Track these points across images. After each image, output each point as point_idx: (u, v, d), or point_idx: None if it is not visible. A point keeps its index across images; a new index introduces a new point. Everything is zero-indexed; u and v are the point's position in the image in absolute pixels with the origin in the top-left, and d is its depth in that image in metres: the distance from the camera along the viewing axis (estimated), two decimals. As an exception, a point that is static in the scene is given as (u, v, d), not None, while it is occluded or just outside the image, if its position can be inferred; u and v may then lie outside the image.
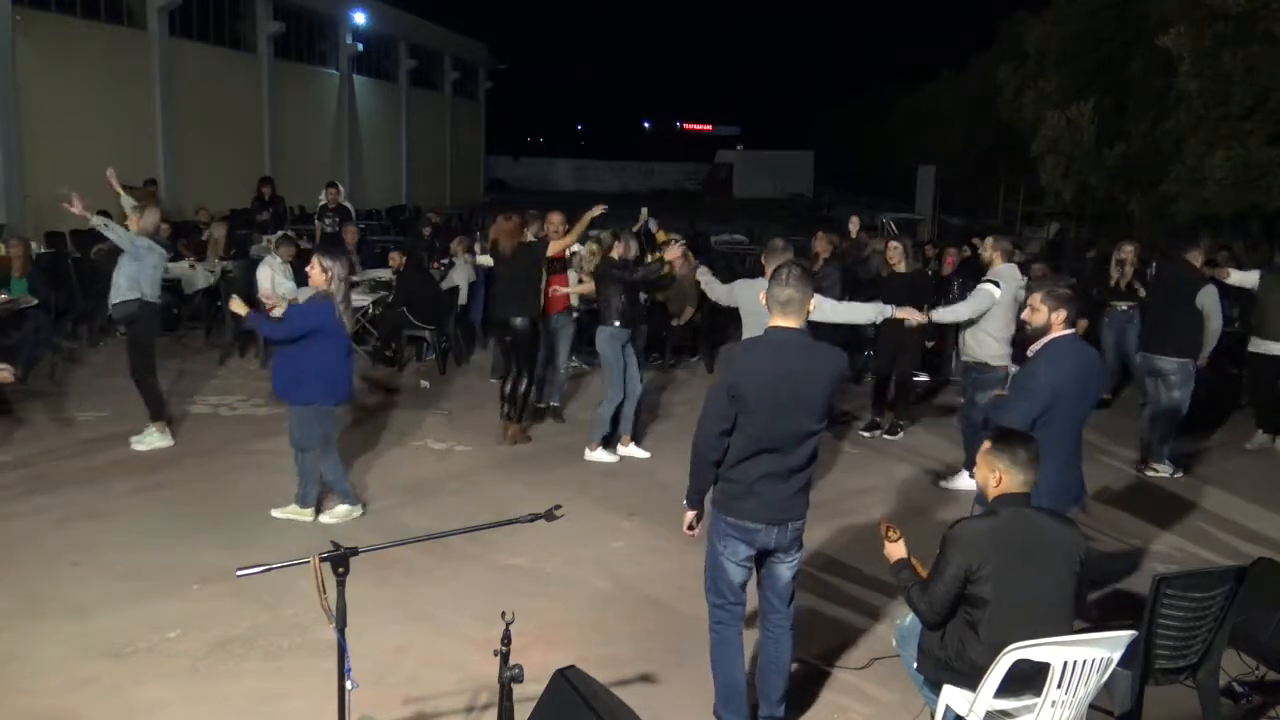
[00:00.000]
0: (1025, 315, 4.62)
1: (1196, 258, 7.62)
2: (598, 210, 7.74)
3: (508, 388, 7.68)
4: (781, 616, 3.85)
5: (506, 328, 7.60)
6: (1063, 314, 4.45)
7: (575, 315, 8.57)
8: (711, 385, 3.66)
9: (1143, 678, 3.64)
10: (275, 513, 6.02)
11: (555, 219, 8.02)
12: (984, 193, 26.68)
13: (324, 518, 6.03)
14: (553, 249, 7.57)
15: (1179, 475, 7.46)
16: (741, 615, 3.82)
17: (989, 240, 7.19)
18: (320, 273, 5.76)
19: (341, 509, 6.07)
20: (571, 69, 68.30)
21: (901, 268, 8.25)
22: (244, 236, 13.61)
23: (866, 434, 8.31)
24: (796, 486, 3.70)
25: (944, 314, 7.15)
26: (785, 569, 3.81)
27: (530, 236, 7.60)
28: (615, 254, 7.54)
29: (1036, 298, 4.54)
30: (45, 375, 8.86)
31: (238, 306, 5.93)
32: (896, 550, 3.65)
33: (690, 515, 3.86)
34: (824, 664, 4.53)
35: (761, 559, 3.79)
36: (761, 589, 3.88)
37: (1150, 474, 7.47)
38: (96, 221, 7.13)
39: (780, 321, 3.66)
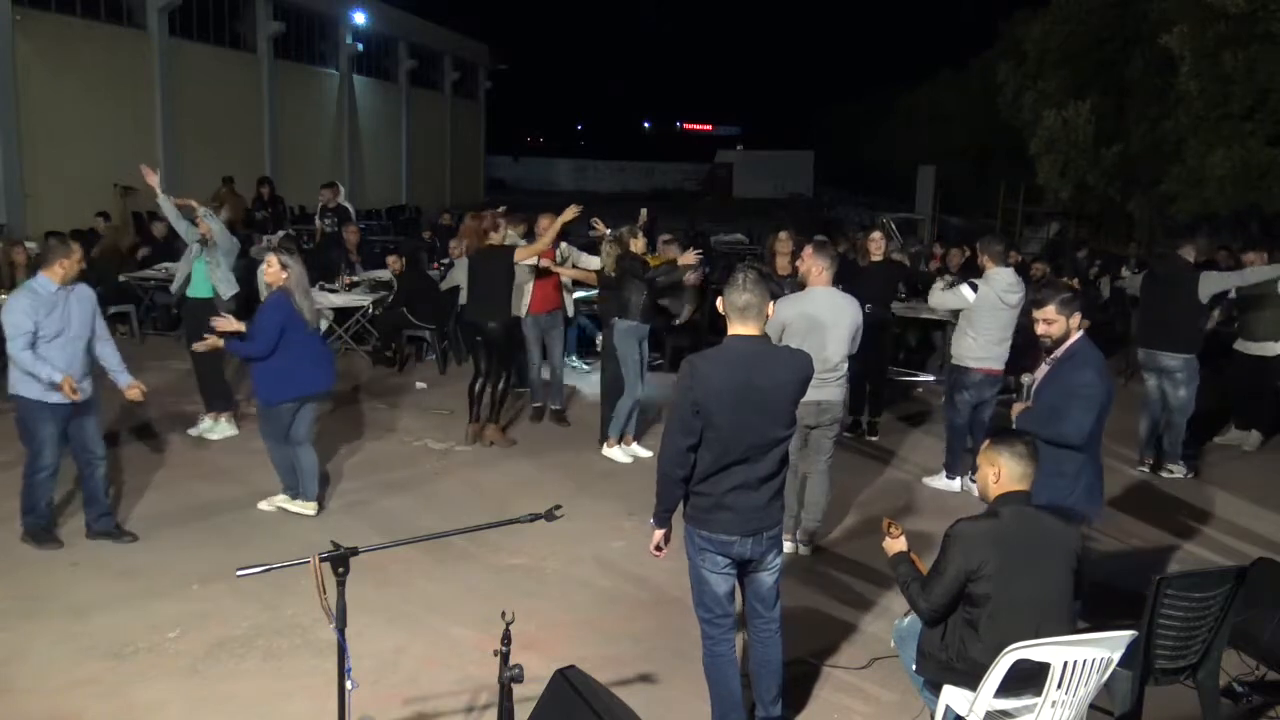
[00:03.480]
0: (1041, 330, 4.45)
1: (1189, 253, 7.61)
2: (571, 213, 7.45)
3: (476, 388, 7.59)
4: (767, 621, 3.80)
5: (479, 330, 7.53)
6: (1079, 317, 4.40)
7: (571, 315, 8.54)
8: (673, 400, 3.57)
9: (1143, 678, 3.64)
10: (285, 506, 6.06)
11: (544, 223, 7.98)
12: (984, 193, 26.67)
13: (262, 504, 6.08)
14: (519, 255, 7.41)
15: (1190, 475, 7.47)
16: (732, 627, 3.78)
17: (979, 246, 7.18)
18: (279, 270, 5.78)
19: (281, 497, 6.09)
20: (571, 69, 68.29)
21: (878, 257, 8.25)
22: (244, 237, 13.59)
23: (849, 435, 8.12)
24: (769, 494, 3.63)
25: (926, 303, 7.06)
26: (767, 575, 3.74)
27: (504, 238, 7.52)
28: (635, 248, 7.53)
29: (1050, 310, 4.38)
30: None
31: (214, 343, 5.95)
32: (896, 545, 3.67)
33: (659, 535, 3.75)
34: (824, 663, 4.53)
35: (741, 568, 3.72)
36: (745, 597, 3.83)
37: (1165, 475, 7.47)
38: (202, 211, 7.27)
39: (740, 329, 3.57)
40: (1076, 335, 4.41)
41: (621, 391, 7.43)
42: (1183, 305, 7.27)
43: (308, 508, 6.04)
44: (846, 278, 8.55)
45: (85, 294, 5.51)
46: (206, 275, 7.35)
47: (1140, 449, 7.65)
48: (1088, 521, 4.43)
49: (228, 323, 5.94)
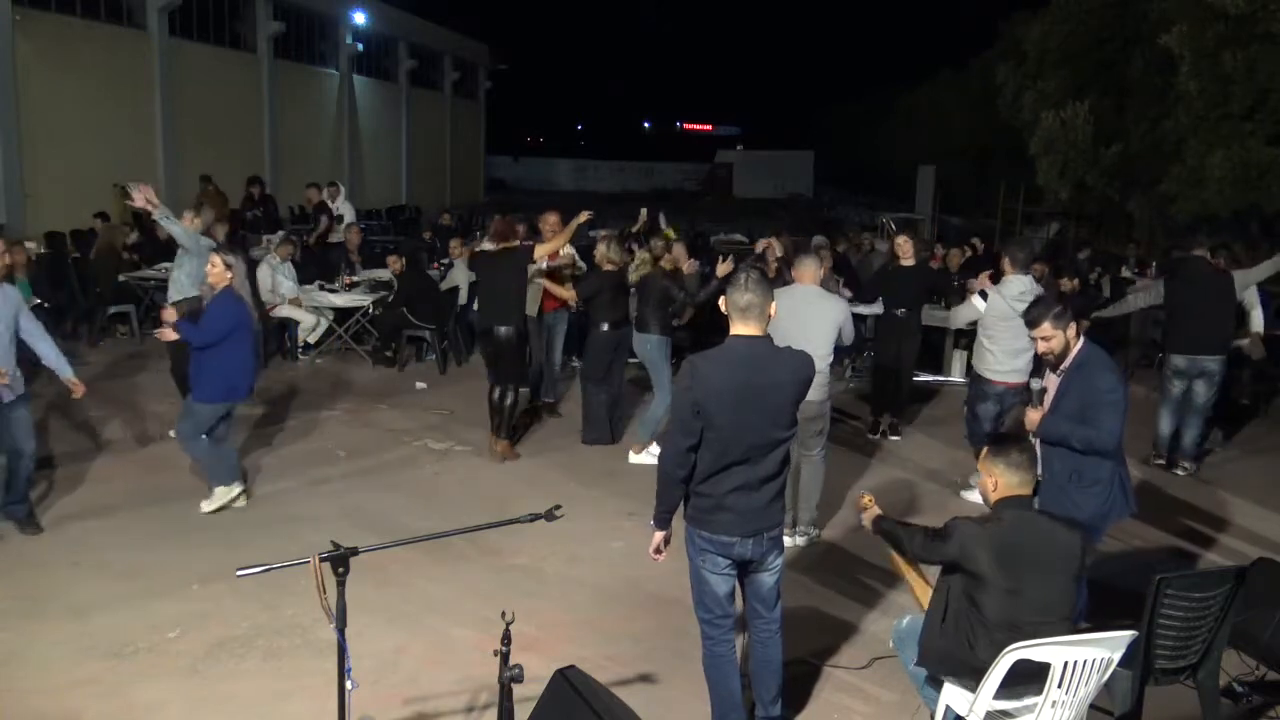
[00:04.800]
0: (1042, 348, 4.41)
1: (1206, 255, 7.70)
2: (584, 217, 7.50)
3: (495, 397, 7.38)
4: (767, 622, 3.79)
5: (489, 337, 7.29)
6: (1074, 327, 4.35)
7: (571, 312, 8.59)
8: (675, 401, 3.58)
9: (1143, 678, 3.64)
10: (205, 505, 6.04)
11: (551, 219, 7.98)
12: (984, 193, 26.68)
13: (205, 505, 6.04)
14: (538, 252, 7.27)
15: (1193, 473, 7.59)
16: (732, 628, 3.78)
17: (1002, 249, 7.21)
18: (223, 270, 5.85)
19: (219, 490, 6.08)
20: (571, 69, 68.30)
21: (910, 261, 8.20)
22: (241, 237, 13.59)
23: (873, 436, 8.21)
24: (770, 495, 3.62)
25: (943, 316, 7.15)
26: (767, 576, 3.74)
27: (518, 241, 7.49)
28: (667, 264, 7.53)
29: (1046, 327, 4.34)
30: (43, 376, 8.85)
31: (169, 317, 6.03)
32: (873, 511, 3.79)
33: (658, 537, 3.74)
34: (824, 663, 4.53)
35: (742, 568, 3.72)
36: (745, 597, 3.83)
37: (1180, 472, 7.55)
38: (157, 214, 7.19)
39: (741, 329, 3.56)
40: (1080, 344, 4.37)
41: (593, 395, 7.68)
42: (1222, 307, 7.42)
43: (232, 492, 6.10)
44: (878, 281, 8.60)
45: (10, 293, 5.54)
46: (193, 273, 7.29)
47: (1158, 445, 7.71)
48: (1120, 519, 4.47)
49: (170, 315, 6.07)
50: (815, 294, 5.69)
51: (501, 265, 7.23)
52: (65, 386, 5.78)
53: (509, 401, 7.36)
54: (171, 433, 7.45)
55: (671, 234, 10.24)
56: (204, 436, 5.98)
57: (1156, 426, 7.68)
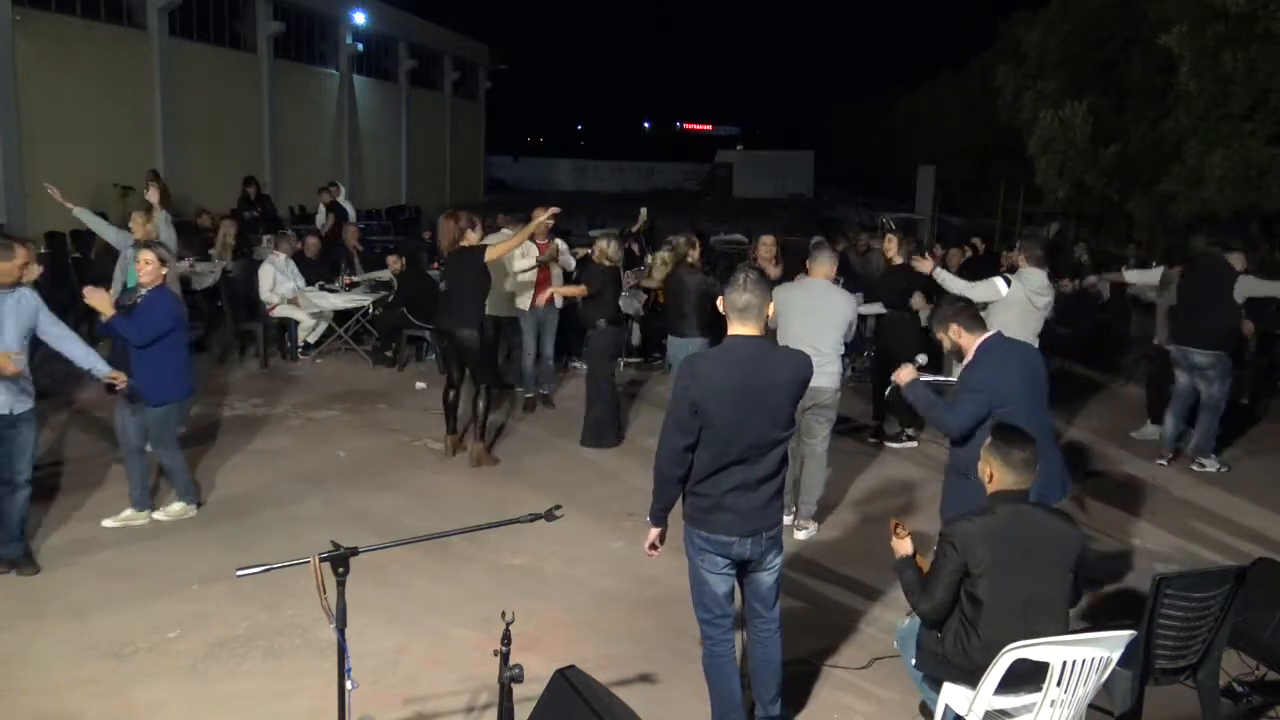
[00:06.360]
0: (944, 342, 4.58)
1: (1239, 261, 7.73)
2: (548, 214, 7.38)
3: (450, 399, 7.26)
4: (766, 621, 3.80)
5: (451, 338, 7.11)
6: (958, 327, 4.46)
7: (560, 307, 8.63)
8: (671, 399, 3.58)
9: (1143, 678, 3.64)
10: (107, 522, 5.78)
11: (537, 213, 7.97)
12: (984, 193, 26.68)
13: (158, 514, 5.92)
14: (490, 253, 7.08)
15: (1224, 469, 7.58)
16: (731, 627, 3.78)
17: (1020, 245, 7.29)
18: (158, 267, 5.61)
19: (177, 506, 5.96)
20: (571, 69, 68.35)
21: (898, 260, 8.17)
22: (245, 239, 13.56)
23: (873, 440, 8.10)
24: (768, 495, 3.62)
25: (949, 282, 7.12)
26: (766, 575, 3.74)
27: (482, 236, 7.35)
28: (691, 260, 7.51)
29: (938, 329, 4.57)
30: (42, 375, 8.85)
31: (99, 303, 5.39)
32: (903, 547, 3.65)
33: (654, 533, 3.76)
34: (824, 663, 4.53)
35: (741, 568, 3.71)
36: (744, 597, 3.83)
37: (1197, 468, 7.58)
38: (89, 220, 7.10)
39: (739, 329, 3.57)
40: (984, 339, 4.44)
41: (603, 396, 7.62)
42: (1218, 303, 7.42)
43: (139, 517, 5.86)
44: (864, 281, 8.56)
45: (28, 299, 5.08)
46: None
47: (1164, 442, 7.76)
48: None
49: (97, 296, 5.41)
50: (828, 287, 5.98)
51: (458, 268, 7.08)
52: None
53: (483, 403, 7.17)
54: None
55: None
56: (177, 445, 5.86)
57: (1163, 423, 7.80)
